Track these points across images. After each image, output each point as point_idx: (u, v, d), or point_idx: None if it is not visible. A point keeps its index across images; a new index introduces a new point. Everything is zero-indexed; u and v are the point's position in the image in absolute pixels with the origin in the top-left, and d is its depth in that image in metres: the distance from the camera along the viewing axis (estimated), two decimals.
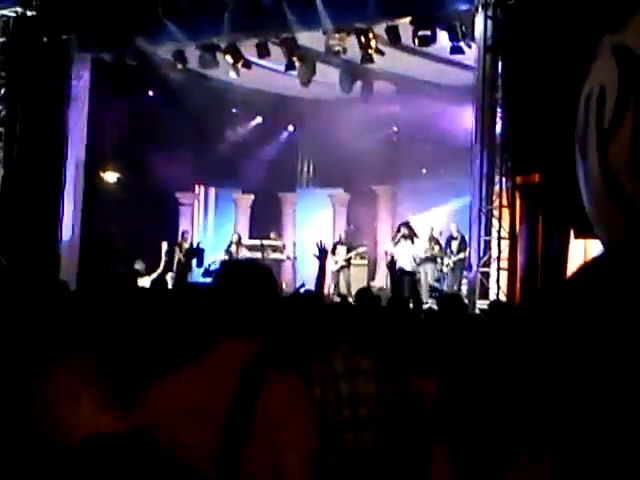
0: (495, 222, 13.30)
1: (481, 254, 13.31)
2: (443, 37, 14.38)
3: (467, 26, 13.96)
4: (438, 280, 16.65)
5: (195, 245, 17.72)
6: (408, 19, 14.22)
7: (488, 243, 13.41)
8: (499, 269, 13.16)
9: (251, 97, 19.66)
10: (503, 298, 12.57)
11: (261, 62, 16.55)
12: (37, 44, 16.35)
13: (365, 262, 18.61)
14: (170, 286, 10.25)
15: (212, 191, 21.92)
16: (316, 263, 6.44)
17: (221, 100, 19.16)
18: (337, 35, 15.25)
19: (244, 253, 18.63)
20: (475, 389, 3.18)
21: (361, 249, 18.45)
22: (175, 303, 4.66)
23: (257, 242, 19.49)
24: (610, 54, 1.20)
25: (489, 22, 13.38)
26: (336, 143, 18.98)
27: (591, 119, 1.22)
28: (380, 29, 14.83)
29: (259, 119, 21.36)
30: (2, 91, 16.89)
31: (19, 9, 16.55)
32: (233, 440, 2.54)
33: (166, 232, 18.32)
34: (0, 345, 2.03)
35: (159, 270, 16.81)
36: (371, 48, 15.25)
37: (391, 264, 8.04)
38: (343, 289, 17.27)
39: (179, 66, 16.76)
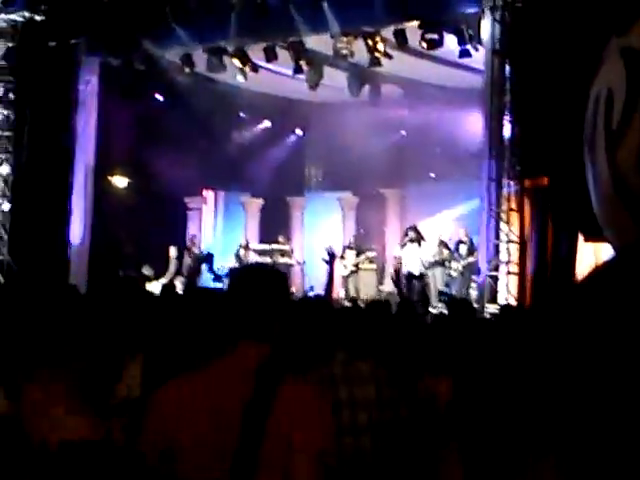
0: (504, 226, 13.21)
1: (490, 258, 13.29)
2: (450, 40, 14.38)
3: (474, 29, 13.96)
4: (447, 284, 16.59)
5: (205, 252, 17.76)
6: (416, 22, 14.23)
7: (497, 247, 13.35)
8: (508, 273, 13.09)
9: (259, 101, 19.69)
10: (513, 302, 12.50)
11: (268, 66, 16.57)
12: (45, 48, 16.41)
13: (374, 266, 18.54)
14: (179, 291, 10.25)
15: (221, 195, 21.86)
16: (325, 267, 6.44)
17: (229, 104, 19.17)
18: (345, 38, 15.26)
19: (253, 257, 18.63)
20: (489, 392, 3.18)
21: (370, 253, 18.38)
22: (190, 307, 4.68)
23: (266, 246, 19.47)
24: (618, 56, 1.20)
25: (497, 25, 13.36)
26: (344, 146, 18.99)
27: (599, 121, 1.21)
28: (388, 32, 14.84)
29: (267, 123, 21.34)
30: (11, 95, 16.94)
31: (27, 14, 16.60)
32: (249, 440, 2.57)
33: (174, 237, 18.33)
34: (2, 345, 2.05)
35: (170, 275, 16.83)
36: (379, 51, 15.25)
37: (396, 277, 8.06)
38: (352, 294, 17.24)
39: (187, 70, 16.81)
